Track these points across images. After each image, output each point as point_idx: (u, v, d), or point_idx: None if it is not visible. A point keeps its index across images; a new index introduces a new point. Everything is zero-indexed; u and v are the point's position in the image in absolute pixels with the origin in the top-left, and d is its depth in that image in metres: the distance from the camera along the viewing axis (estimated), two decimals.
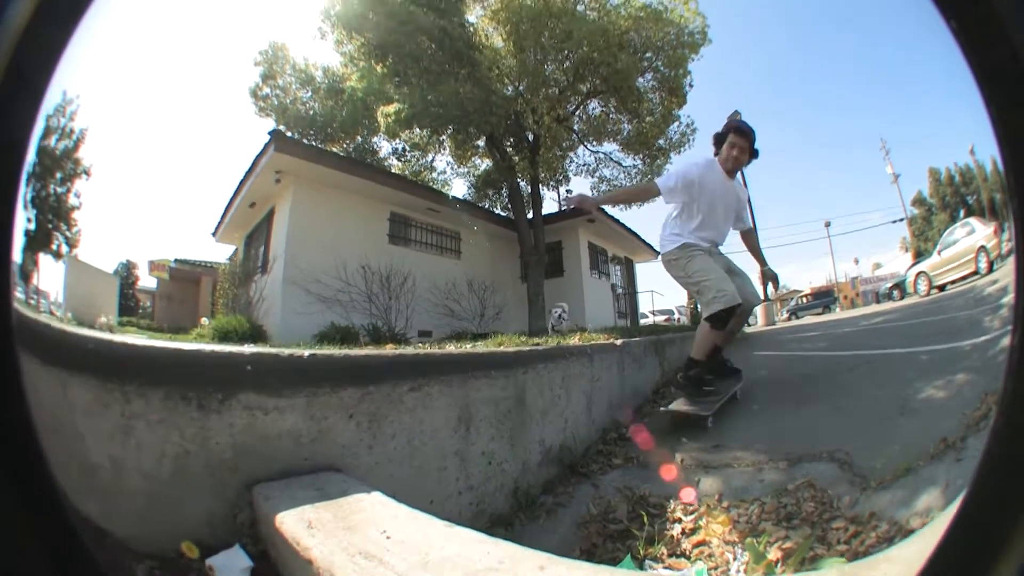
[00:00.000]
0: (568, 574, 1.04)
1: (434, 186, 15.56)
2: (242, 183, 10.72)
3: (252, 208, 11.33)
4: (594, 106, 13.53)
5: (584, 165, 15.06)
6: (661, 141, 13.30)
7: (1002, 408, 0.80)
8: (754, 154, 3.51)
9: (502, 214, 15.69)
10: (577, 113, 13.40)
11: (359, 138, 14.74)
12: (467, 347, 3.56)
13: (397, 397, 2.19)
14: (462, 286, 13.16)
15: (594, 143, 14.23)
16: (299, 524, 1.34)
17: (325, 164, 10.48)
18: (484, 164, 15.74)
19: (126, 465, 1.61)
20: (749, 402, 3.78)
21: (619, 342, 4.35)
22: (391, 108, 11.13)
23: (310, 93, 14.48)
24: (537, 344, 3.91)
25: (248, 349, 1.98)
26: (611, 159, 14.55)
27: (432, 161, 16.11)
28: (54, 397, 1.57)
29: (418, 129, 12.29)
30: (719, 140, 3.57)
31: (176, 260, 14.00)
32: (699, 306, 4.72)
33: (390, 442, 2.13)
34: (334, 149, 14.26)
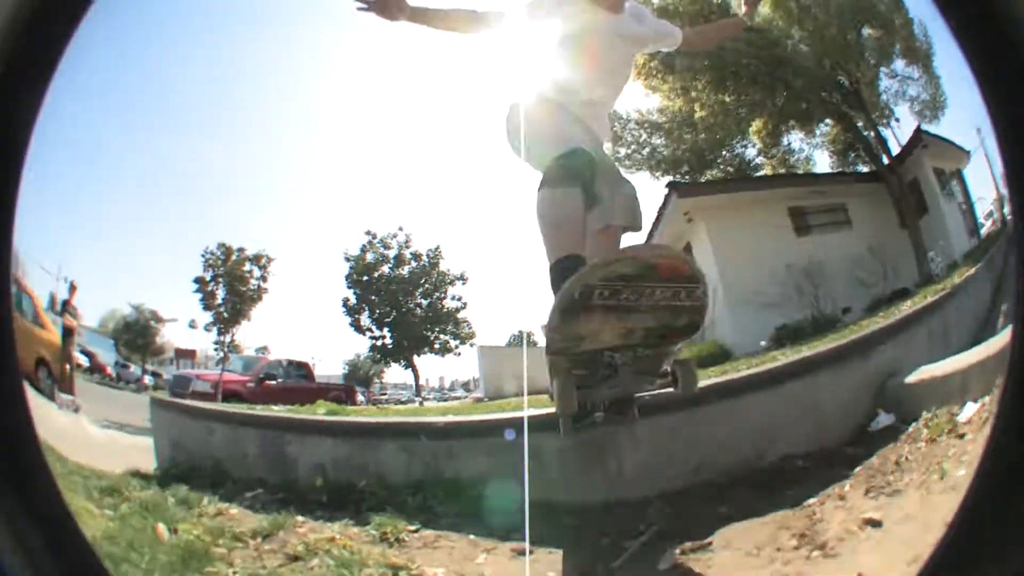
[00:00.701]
0: None
1: (806, 169, 15.77)
2: (650, 235, 11.09)
3: None
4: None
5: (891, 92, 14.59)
6: None
7: (1002, 408, 0.80)
8: None
9: (864, 170, 15.50)
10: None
11: (724, 154, 15.19)
12: None
13: None
14: (863, 253, 13.18)
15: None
16: None
17: (727, 191, 11.04)
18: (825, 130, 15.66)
19: None
20: None
21: None
22: (757, 125, 11.39)
23: (662, 137, 15.03)
24: None
25: None
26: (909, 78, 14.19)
27: (789, 146, 16.25)
28: None
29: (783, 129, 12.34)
30: None
31: None
32: None
33: None
34: (713, 173, 14.84)
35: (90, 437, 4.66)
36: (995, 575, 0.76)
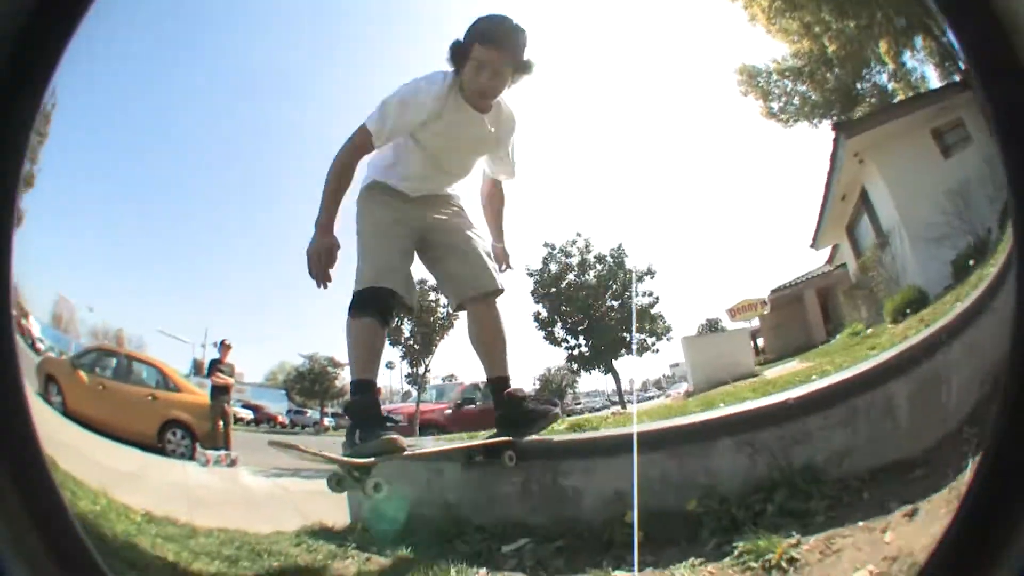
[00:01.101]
0: None
1: (923, 87, 15.54)
2: (828, 185, 10.57)
3: (844, 200, 11.02)
4: None
5: None
6: None
7: (1002, 408, 0.80)
8: (523, 69, 2.29)
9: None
10: None
11: (866, 85, 14.79)
12: None
13: None
14: (984, 167, 12.99)
15: None
16: None
17: (887, 119, 10.29)
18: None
19: None
20: None
21: None
22: (884, 46, 11.11)
23: (805, 82, 14.62)
24: None
25: None
26: None
27: (905, 65, 16.17)
28: None
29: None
30: (459, 54, 2.25)
31: (771, 290, 13.36)
32: None
33: None
34: (862, 109, 14.34)
35: (246, 490, 4.77)
36: (997, 571, 0.76)
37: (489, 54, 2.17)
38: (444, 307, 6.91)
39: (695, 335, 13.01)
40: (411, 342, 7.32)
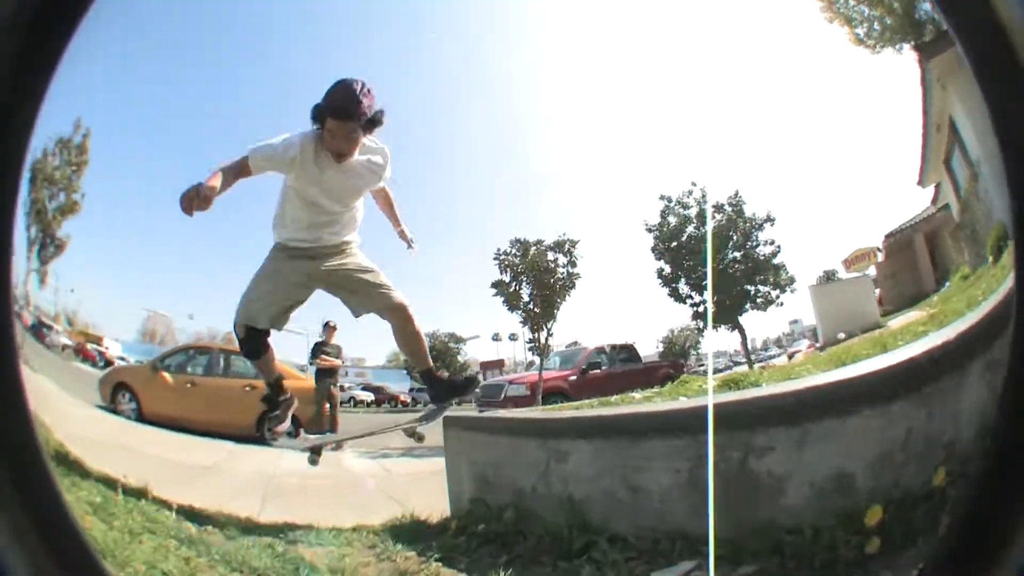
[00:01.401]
0: None
1: None
2: (925, 114, 9.84)
3: (939, 132, 10.32)
4: None
5: None
6: None
7: (1002, 408, 0.80)
8: (373, 125, 2.65)
9: None
10: None
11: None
12: None
13: None
14: None
15: None
16: None
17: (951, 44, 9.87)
18: None
19: None
20: None
21: None
22: None
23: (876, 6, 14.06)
24: None
25: None
26: None
27: None
28: None
29: None
30: (317, 119, 2.64)
31: (884, 236, 12.72)
32: None
33: None
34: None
35: (340, 477, 4.65)
36: (997, 571, 0.76)
37: (338, 126, 2.57)
38: (564, 267, 6.52)
39: (822, 283, 12.48)
40: (531, 306, 6.77)
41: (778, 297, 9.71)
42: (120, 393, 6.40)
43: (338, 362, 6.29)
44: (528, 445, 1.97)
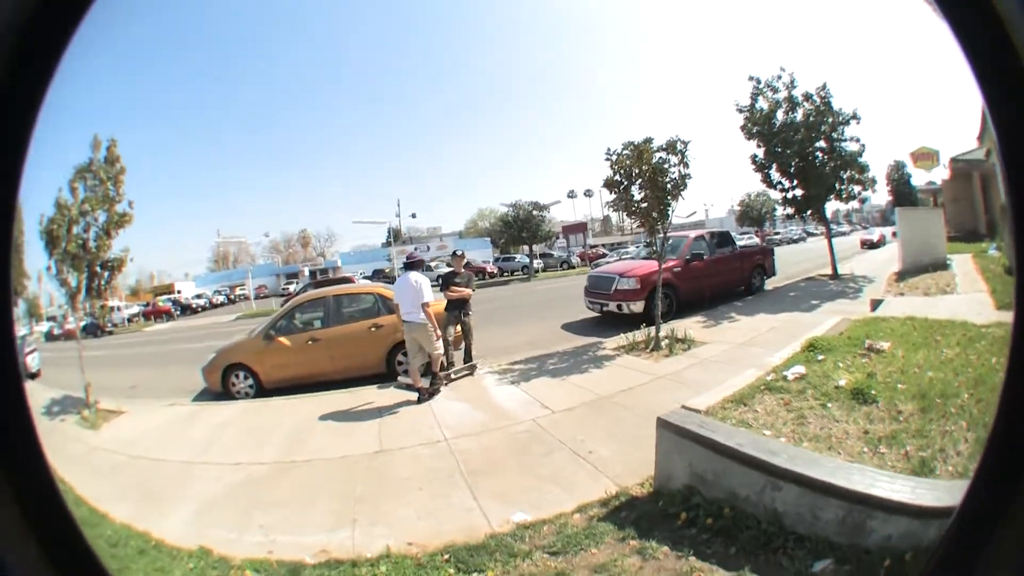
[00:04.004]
0: None
1: None
2: None
3: None
4: None
5: None
6: None
7: (1002, 408, 0.80)
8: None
9: None
10: None
11: None
12: None
13: None
14: None
15: None
16: None
17: None
18: None
19: None
20: None
21: None
22: None
23: None
24: None
25: None
26: None
27: None
28: None
29: None
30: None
31: (951, 158, 12.49)
32: None
33: None
34: None
35: (485, 417, 4.42)
36: (997, 571, 0.76)
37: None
38: (675, 166, 6.37)
39: (908, 207, 11.88)
40: (645, 207, 6.59)
41: (860, 192, 9.67)
42: (232, 374, 6.40)
43: (469, 291, 6.13)
44: (753, 474, 2.38)
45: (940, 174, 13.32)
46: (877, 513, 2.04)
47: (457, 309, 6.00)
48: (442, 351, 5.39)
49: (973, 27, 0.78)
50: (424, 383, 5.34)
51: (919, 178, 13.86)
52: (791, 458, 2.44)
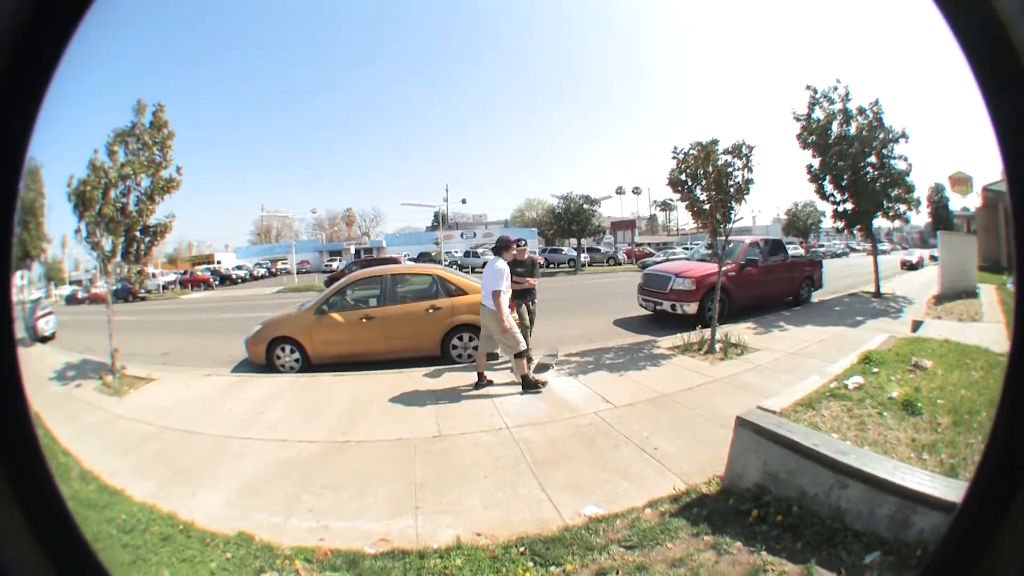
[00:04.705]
0: None
1: None
2: None
3: None
4: None
5: None
6: None
7: (1002, 408, 0.80)
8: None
9: None
10: None
11: None
12: None
13: None
14: None
15: None
16: None
17: None
18: None
19: None
20: None
21: None
22: None
23: None
24: None
25: None
26: None
27: None
28: None
29: None
30: (504, 248, 5.35)
31: (983, 186, 12.66)
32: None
33: None
34: None
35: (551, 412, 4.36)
36: (997, 571, 0.76)
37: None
38: (739, 170, 6.31)
39: (949, 232, 11.88)
40: (708, 208, 6.53)
41: (905, 212, 9.73)
42: (278, 347, 6.26)
43: (532, 281, 5.97)
44: (824, 473, 2.52)
45: (973, 200, 13.38)
46: (920, 508, 2.19)
47: (520, 299, 5.80)
48: (519, 346, 5.07)
49: (973, 27, 0.78)
50: (485, 370, 5.30)
51: (956, 203, 14.03)
52: (859, 458, 2.56)
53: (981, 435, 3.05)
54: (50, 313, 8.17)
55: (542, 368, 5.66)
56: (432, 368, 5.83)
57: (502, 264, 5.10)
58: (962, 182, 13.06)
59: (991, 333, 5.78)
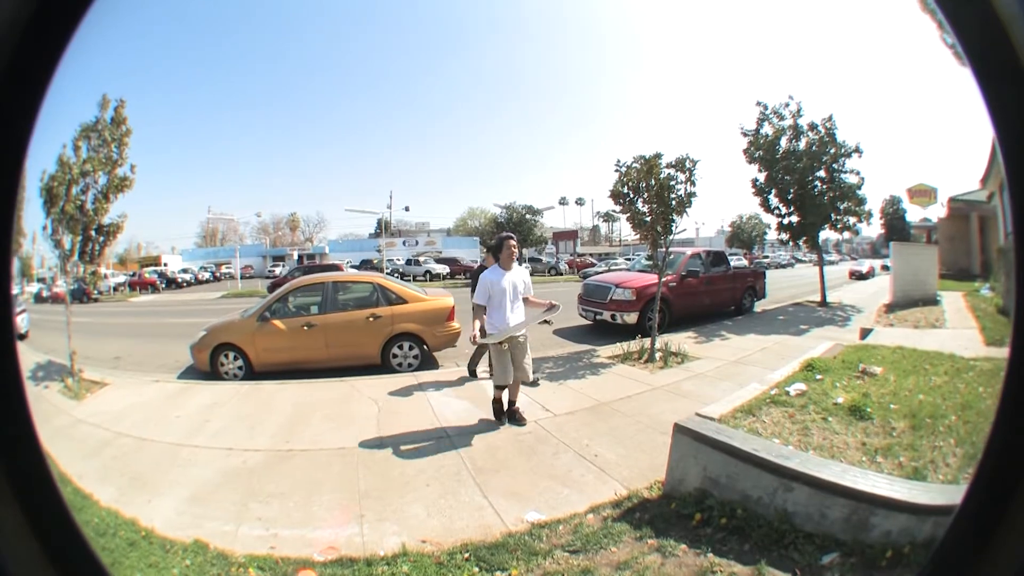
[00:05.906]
0: None
1: None
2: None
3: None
4: None
5: None
6: None
7: (1002, 408, 0.80)
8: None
9: None
10: None
11: None
12: None
13: None
14: None
15: None
16: None
17: None
18: None
19: None
20: None
21: None
22: None
23: None
24: None
25: None
26: None
27: None
28: None
29: None
30: (495, 249, 4.47)
31: (949, 197, 13.01)
32: None
33: None
34: None
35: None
36: (996, 571, 0.76)
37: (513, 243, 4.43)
38: (682, 184, 6.43)
39: (903, 242, 12.03)
40: (648, 221, 6.66)
41: (855, 224, 9.82)
42: (222, 354, 6.19)
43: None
44: (767, 477, 2.54)
45: (936, 211, 13.83)
46: (879, 511, 2.19)
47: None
48: (480, 350, 5.39)
49: (973, 27, 0.78)
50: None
51: (914, 214, 14.45)
52: (802, 462, 2.57)
53: (953, 438, 3.12)
54: (24, 311, 7.98)
55: (473, 375, 5.75)
56: (373, 376, 5.87)
57: (488, 272, 4.70)
58: (923, 193, 13.55)
59: (957, 339, 5.90)
